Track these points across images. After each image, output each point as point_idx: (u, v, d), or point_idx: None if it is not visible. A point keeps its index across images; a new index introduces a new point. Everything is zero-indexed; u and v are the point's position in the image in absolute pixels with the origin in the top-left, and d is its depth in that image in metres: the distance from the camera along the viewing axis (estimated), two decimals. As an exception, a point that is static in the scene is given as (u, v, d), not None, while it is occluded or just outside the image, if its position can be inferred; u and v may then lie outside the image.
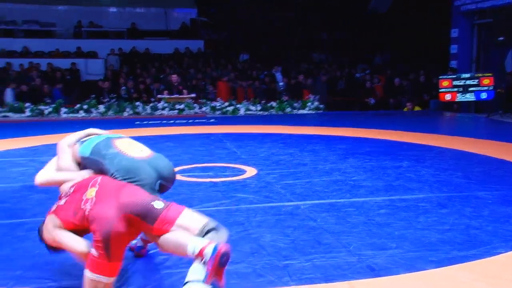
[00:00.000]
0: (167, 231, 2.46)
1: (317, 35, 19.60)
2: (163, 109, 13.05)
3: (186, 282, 2.31)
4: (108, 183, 2.66)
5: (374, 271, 2.98)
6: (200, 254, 2.30)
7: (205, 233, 2.45)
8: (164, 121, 11.59)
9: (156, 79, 14.90)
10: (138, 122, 11.26)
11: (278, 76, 15.48)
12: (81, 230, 2.60)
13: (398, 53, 17.98)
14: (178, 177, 5.51)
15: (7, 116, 12.12)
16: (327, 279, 2.87)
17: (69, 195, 2.70)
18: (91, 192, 2.59)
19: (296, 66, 16.83)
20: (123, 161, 2.81)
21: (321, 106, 13.88)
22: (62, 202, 2.70)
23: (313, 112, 13.69)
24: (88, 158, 2.93)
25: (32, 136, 8.97)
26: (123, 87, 13.94)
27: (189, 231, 2.45)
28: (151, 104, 13.12)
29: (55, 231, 2.62)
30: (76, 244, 2.54)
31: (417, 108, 14.10)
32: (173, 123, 11.17)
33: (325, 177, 5.51)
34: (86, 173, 2.91)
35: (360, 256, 3.21)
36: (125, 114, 12.72)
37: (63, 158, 3.00)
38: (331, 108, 14.23)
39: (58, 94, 13.56)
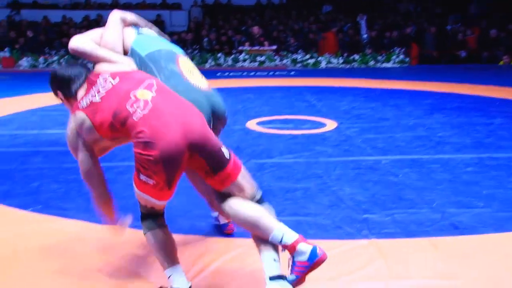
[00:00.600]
0: (225, 187, 2.07)
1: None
2: (244, 61, 13.09)
3: (272, 278, 1.97)
4: (169, 94, 2.09)
5: (458, 229, 2.86)
6: (293, 249, 1.95)
7: (256, 201, 2.13)
8: (245, 73, 11.65)
9: (238, 31, 14.89)
10: (219, 74, 11.40)
11: (363, 25, 14.83)
12: (113, 139, 2.14)
13: (495, 0, 16.58)
14: (258, 128, 5.57)
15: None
16: (408, 235, 2.80)
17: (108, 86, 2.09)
18: (145, 94, 2.02)
19: (381, 17, 16.10)
20: (180, 85, 2.25)
21: (407, 59, 13.27)
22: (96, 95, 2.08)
23: (398, 65, 13.13)
24: (141, 59, 2.32)
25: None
26: (205, 39, 14.09)
27: (242, 193, 2.10)
28: (232, 56, 13.19)
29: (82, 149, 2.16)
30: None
31: (514, 62, 13.09)
32: (253, 75, 11.19)
33: (408, 132, 5.31)
34: (132, 64, 2.29)
35: (443, 213, 3.09)
36: (207, 65, 12.90)
37: (111, 32, 2.36)
38: (418, 62, 13.56)
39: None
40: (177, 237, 2.20)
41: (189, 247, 2.66)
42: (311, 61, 13.09)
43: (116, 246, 2.69)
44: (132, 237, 2.70)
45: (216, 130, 2.33)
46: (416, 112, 6.49)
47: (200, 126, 2.02)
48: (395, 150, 4.64)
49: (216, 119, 2.35)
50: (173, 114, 1.98)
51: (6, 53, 12.47)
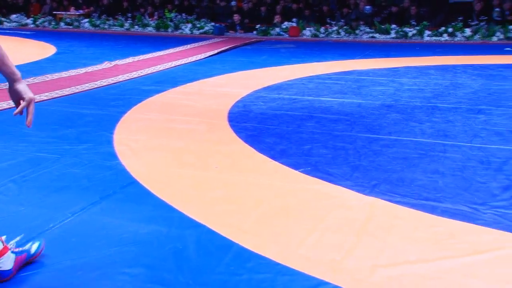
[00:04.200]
0: None
1: None
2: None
3: None
4: None
5: None
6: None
7: None
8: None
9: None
10: (508, 48, 10.17)
11: None
12: None
13: None
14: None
15: (374, 37, 12.78)
16: None
17: None
18: None
19: None
20: None
21: None
22: None
23: None
24: None
25: (394, 57, 9.25)
26: (497, 9, 12.67)
27: None
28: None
29: None
30: None
31: None
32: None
33: None
34: None
35: None
36: (494, 39, 11.66)
37: None
38: None
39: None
40: None
41: None
42: None
43: (375, 220, 2.71)
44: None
45: None
46: None
47: None
48: None
49: None
50: None
51: (293, 23, 13.58)
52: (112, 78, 6.96)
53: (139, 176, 3.33)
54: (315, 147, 3.97)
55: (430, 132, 4.33)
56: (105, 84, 6.61)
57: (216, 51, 9.90)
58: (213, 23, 14.06)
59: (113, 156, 3.76)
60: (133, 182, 3.24)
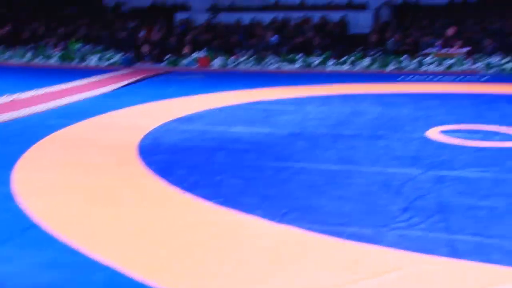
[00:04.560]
0: None
1: None
2: (429, 64, 12.40)
3: None
4: None
5: None
6: None
7: None
8: (429, 77, 11.01)
9: (426, 33, 14.13)
10: (401, 78, 10.97)
11: None
12: None
13: None
14: (441, 137, 5.23)
15: (280, 67, 13.23)
16: None
17: None
18: None
19: None
20: None
21: None
22: None
23: None
24: None
25: (301, 86, 9.62)
26: (390, 40, 13.68)
27: None
28: (417, 59, 12.58)
29: None
30: None
31: None
32: (438, 80, 10.53)
33: None
34: None
35: None
36: (389, 68, 12.53)
37: None
38: None
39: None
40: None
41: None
42: (509, 65, 11.81)
43: (286, 248, 2.77)
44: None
45: None
46: None
47: None
48: None
49: None
50: None
51: (203, 53, 13.72)
52: (13, 113, 6.59)
53: (41, 217, 3.16)
54: (226, 177, 4.01)
55: (335, 159, 4.53)
56: (5, 119, 6.24)
57: (124, 83, 9.73)
58: (121, 54, 13.84)
59: (9, 197, 3.53)
60: (33, 225, 3.06)
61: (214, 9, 17.30)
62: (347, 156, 4.61)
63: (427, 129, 5.63)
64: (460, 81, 10.36)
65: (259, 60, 13.40)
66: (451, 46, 12.76)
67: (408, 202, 3.42)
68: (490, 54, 12.52)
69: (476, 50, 12.83)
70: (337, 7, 16.90)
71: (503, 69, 11.85)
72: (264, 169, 4.23)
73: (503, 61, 11.99)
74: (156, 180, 3.95)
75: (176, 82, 10.45)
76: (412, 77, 11.04)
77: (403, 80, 10.49)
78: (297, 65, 13.16)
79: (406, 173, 4.07)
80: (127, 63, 13.28)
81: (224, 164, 4.40)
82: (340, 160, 4.49)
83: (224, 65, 13.37)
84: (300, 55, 13.32)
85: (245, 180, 3.96)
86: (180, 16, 16.93)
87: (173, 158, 4.60)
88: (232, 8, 17.56)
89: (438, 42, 12.99)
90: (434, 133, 5.44)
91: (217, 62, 13.48)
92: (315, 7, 17.03)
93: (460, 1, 16.16)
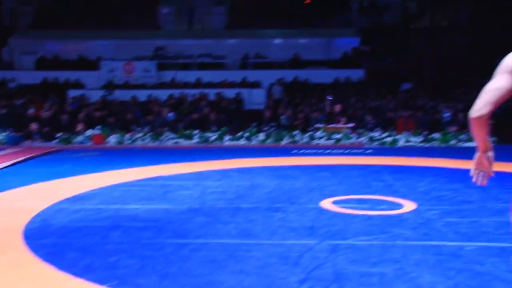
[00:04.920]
0: None
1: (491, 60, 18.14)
2: (320, 138, 13.16)
3: None
4: None
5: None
6: None
7: None
8: (320, 151, 11.66)
9: (315, 109, 15.12)
10: (295, 151, 11.50)
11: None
12: None
13: None
14: (333, 207, 5.47)
15: (178, 142, 13.28)
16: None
17: None
18: None
19: (466, 95, 15.74)
20: None
21: (493, 138, 12.72)
22: None
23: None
24: None
25: (198, 161, 9.68)
26: (283, 116, 14.41)
27: None
28: (308, 133, 13.32)
29: None
30: None
31: None
32: (329, 153, 11.17)
33: (495, 217, 4.98)
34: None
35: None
36: (283, 142, 13.09)
37: (495, 80, 2.41)
38: (507, 141, 12.93)
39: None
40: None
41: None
42: (389, 139, 12.91)
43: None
44: None
45: None
46: (505, 195, 6.09)
47: None
48: (480, 236, 4.35)
49: None
50: None
51: (97, 131, 13.40)
52: None
53: None
54: (122, 258, 3.83)
55: (234, 233, 4.53)
56: None
57: (10, 163, 9.15)
58: (7, 133, 13.08)
59: None
60: None
61: (109, 86, 17.20)
62: (246, 230, 4.64)
63: (321, 199, 5.88)
64: (348, 154, 11.07)
65: (156, 136, 13.36)
66: (338, 122, 13.73)
67: (306, 273, 3.48)
68: (371, 129, 13.62)
69: (360, 125, 13.92)
70: (232, 85, 17.63)
71: (384, 143, 12.90)
72: (163, 247, 4.11)
73: (383, 135, 13.09)
74: (44, 266, 3.67)
75: (69, 160, 10.03)
76: (305, 151, 11.62)
77: (296, 154, 10.99)
78: (194, 140, 13.29)
79: (303, 243, 4.18)
80: (13, 142, 12.55)
81: (119, 244, 4.21)
82: (240, 233, 4.51)
83: (121, 142, 13.14)
84: (197, 131, 13.51)
85: (143, 259, 3.80)
86: (73, 93, 16.58)
87: (63, 241, 4.32)
88: (127, 86, 17.58)
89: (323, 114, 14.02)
90: (327, 204, 5.69)
91: (112, 139, 13.22)
92: (210, 85, 17.62)
93: (343, 80, 17.61)
